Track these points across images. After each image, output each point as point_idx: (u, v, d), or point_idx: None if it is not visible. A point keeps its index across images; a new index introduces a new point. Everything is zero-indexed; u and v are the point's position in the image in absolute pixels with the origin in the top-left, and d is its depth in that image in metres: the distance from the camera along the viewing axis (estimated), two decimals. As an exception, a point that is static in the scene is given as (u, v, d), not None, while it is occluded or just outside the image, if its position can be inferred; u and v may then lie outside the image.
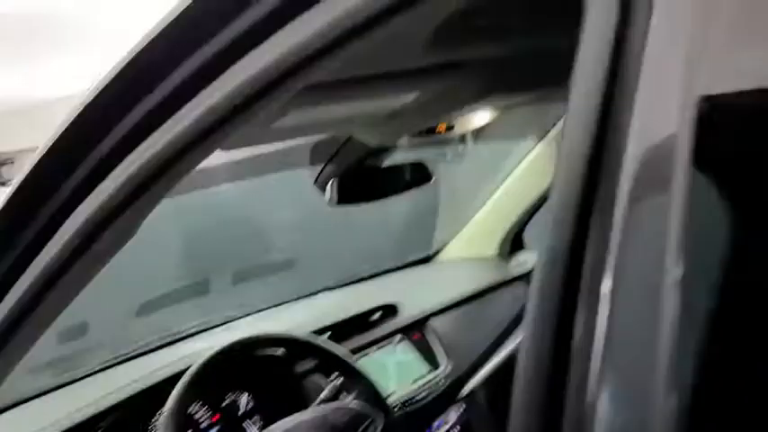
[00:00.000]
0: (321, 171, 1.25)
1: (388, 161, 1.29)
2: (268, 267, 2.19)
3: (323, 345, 1.25)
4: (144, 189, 0.66)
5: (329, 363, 1.27)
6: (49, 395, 1.38)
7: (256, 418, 1.36)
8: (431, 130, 1.23)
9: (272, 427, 1.12)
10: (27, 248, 0.71)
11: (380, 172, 1.29)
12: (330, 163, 1.24)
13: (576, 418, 0.34)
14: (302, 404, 1.20)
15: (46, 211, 0.69)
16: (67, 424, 1.16)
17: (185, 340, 1.59)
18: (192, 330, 1.63)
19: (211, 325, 1.66)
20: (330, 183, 1.24)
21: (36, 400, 1.37)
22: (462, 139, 2.09)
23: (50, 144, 0.67)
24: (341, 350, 1.27)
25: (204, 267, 2.06)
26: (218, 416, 1.33)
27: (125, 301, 1.79)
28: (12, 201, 0.70)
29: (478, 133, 2.05)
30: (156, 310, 1.81)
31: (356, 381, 1.24)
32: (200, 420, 1.30)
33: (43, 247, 0.70)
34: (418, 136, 1.22)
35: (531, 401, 0.36)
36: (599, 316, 0.33)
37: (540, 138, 1.85)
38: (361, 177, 1.26)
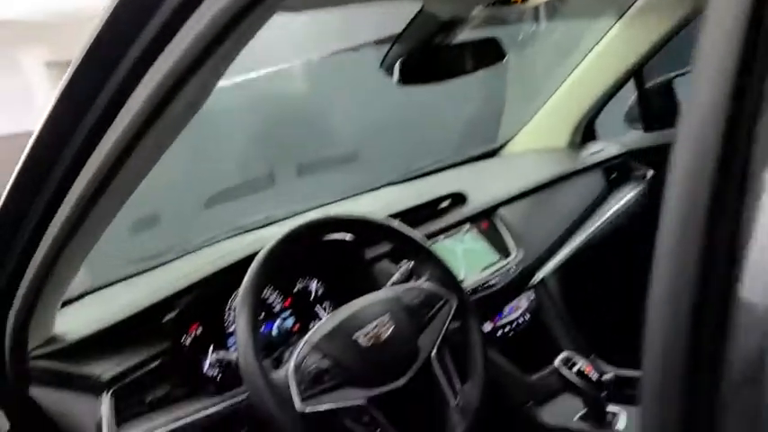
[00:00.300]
0: (389, 50, 1.19)
1: (457, 38, 1.22)
2: (332, 160, 2.17)
3: (396, 227, 1.22)
4: (207, 54, 0.63)
5: (402, 245, 1.25)
6: (125, 282, 1.43)
7: (327, 303, 1.38)
8: (505, 0, 1.14)
9: (345, 305, 1.12)
10: (98, 123, 0.69)
11: (450, 50, 1.21)
12: (398, 41, 1.18)
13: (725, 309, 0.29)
14: (372, 290, 1.20)
15: (113, 82, 0.66)
16: (145, 303, 1.19)
17: (254, 232, 1.60)
18: (259, 224, 1.64)
19: (278, 218, 1.67)
20: (398, 62, 1.18)
21: (113, 286, 1.42)
22: (535, 15, 1.97)
23: (109, 15, 0.64)
24: (414, 233, 1.24)
25: (269, 160, 2.05)
26: (289, 300, 1.35)
27: (194, 193, 1.81)
28: (77, 75, 0.67)
29: (552, 10, 1.92)
30: (223, 202, 1.83)
31: (429, 263, 1.22)
32: (273, 305, 1.32)
33: (113, 121, 0.68)
34: (491, 6, 1.13)
35: (674, 290, 0.32)
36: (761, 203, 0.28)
37: (618, 17, 1.71)
38: (430, 56, 1.19)
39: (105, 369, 1.09)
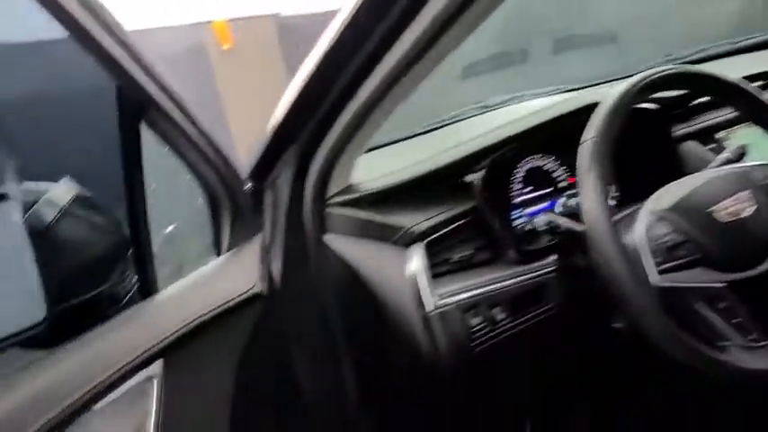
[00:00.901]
0: None
1: None
2: (590, 40, 1.95)
3: (749, 89, 1.01)
4: None
5: (750, 112, 1.03)
6: (398, 143, 1.36)
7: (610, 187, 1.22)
8: None
9: (690, 176, 0.96)
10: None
11: None
12: None
13: None
14: (673, 174, 1.01)
15: None
16: (441, 163, 1.10)
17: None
18: (514, 102, 1.51)
19: (525, 98, 1.52)
20: None
21: (386, 147, 1.35)
22: None
23: None
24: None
25: (524, 34, 1.88)
26: (574, 179, 1.21)
27: (451, 63, 1.68)
28: None
29: None
30: (477, 75, 1.70)
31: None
32: (558, 179, 1.19)
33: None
34: None
35: None
36: None
37: None
38: None
39: (413, 221, 1.01)
